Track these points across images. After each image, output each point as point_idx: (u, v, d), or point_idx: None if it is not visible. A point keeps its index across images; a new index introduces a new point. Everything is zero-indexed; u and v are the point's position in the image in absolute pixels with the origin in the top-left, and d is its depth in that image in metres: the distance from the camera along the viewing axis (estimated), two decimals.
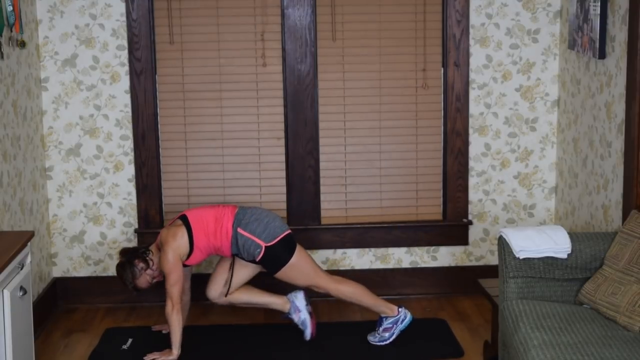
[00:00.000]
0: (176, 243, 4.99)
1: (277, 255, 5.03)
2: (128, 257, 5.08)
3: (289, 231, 5.10)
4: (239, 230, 5.00)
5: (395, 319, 5.13)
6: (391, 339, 5.13)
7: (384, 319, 5.14)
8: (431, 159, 5.83)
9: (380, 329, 5.15)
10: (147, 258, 5.07)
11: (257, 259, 5.02)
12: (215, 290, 5.19)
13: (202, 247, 5.05)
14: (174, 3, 5.61)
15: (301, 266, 5.08)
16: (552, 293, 4.31)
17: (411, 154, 5.81)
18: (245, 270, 5.17)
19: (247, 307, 5.35)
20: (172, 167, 5.76)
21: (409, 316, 5.15)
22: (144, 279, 5.10)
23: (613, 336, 3.87)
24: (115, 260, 5.77)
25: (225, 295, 5.17)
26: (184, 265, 5.10)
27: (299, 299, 5.20)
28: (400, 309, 5.14)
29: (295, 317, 5.19)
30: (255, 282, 5.28)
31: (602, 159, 4.96)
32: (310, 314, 5.19)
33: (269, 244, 5.00)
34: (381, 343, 5.13)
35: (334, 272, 5.82)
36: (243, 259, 5.09)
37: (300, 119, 5.72)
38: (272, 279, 5.19)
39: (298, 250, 5.08)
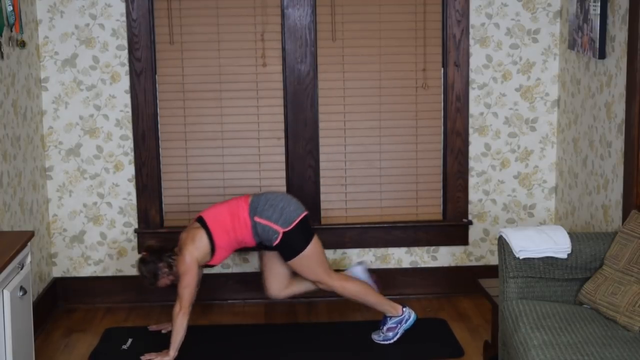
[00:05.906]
0: (194, 246, 4.98)
1: (294, 241, 5.02)
2: (154, 258, 5.07)
3: (305, 213, 5.08)
4: (256, 219, 4.99)
5: (400, 319, 5.13)
6: (395, 338, 5.13)
7: (388, 318, 5.14)
8: (431, 159, 5.83)
9: (385, 328, 5.15)
10: (172, 264, 5.07)
11: (274, 244, 5.01)
12: (276, 287, 5.24)
13: (224, 245, 5.04)
14: (174, 3, 5.61)
15: (314, 259, 5.07)
16: (552, 293, 4.31)
17: (411, 154, 5.81)
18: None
19: (305, 294, 5.35)
20: (172, 167, 5.76)
21: (413, 316, 5.15)
22: (163, 282, 5.11)
23: (613, 336, 3.87)
24: (116, 261, 5.78)
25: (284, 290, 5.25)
26: (209, 266, 5.13)
27: (359, 273, 5.24)
28: (404, 309, 5.15)
29: None
30: None
31: (602, 159, 4.96)
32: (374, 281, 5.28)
33: (286, 230, 4.98)
34: (385, 342, 5.13)
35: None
36: (265, 246, 5.09)
37: (300, 119, 5.71)
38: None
39: (314, 242, 5.07)
